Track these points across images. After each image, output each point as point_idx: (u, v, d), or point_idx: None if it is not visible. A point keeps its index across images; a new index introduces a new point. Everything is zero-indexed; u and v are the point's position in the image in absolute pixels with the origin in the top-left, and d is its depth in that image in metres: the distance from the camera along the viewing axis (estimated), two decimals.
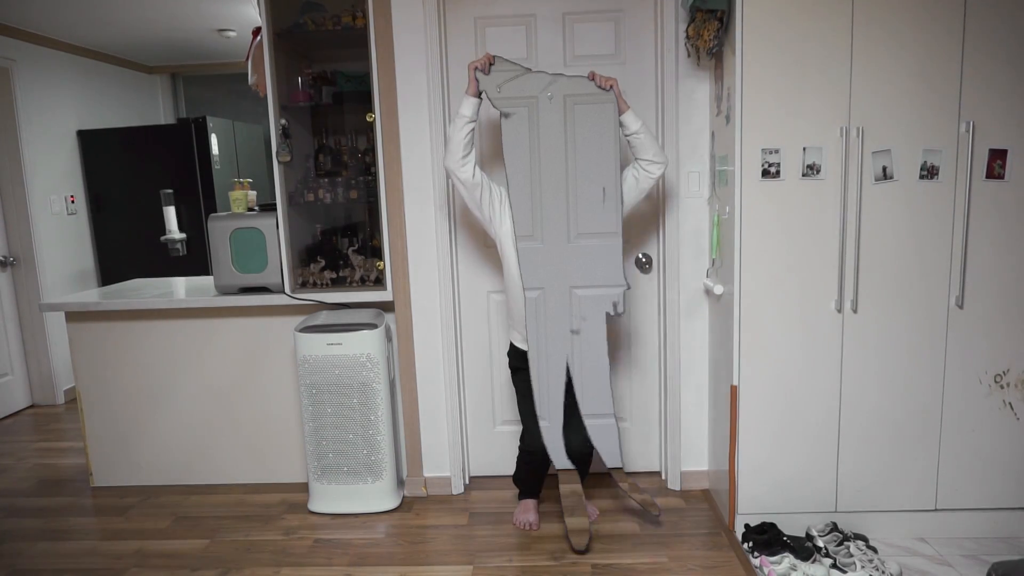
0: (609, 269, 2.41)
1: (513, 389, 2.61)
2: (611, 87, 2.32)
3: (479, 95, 2.33)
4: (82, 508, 2.96)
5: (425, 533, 2.63)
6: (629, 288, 2.44)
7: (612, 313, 2.43)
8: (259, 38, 2.74)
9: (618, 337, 2.91)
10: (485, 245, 2.85)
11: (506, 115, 2.35)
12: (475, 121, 2.32)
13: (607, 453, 2.50)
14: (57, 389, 4.46)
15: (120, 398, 3.08)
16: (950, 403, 2.40)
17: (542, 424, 2.46)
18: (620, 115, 2.34)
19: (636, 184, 2.40)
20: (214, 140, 4.66)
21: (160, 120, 5.68)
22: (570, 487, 2.50)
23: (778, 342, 2.39)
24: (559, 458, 2.47)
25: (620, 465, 2.51)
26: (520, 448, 2.61)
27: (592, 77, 2.33)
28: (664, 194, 2.73)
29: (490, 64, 2.33)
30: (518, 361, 2.52)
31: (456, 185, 2.39)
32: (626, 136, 2.35)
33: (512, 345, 2.55)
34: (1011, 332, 2.36)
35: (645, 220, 2.82)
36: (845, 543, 2.32)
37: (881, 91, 2.25)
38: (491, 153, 2.80)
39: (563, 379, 2.45)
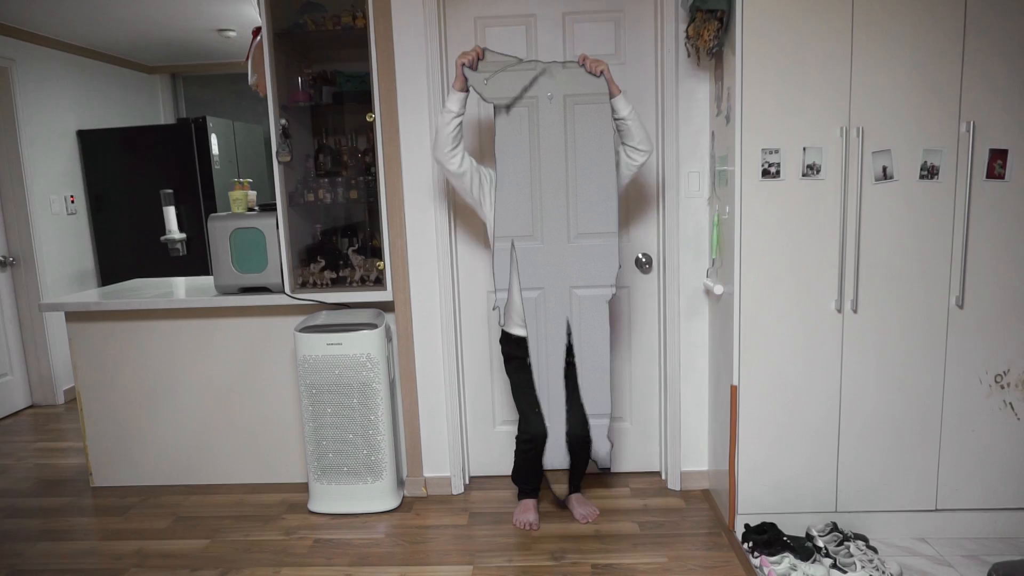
0: (607, 269, 2.41)
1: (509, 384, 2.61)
2: (601, 72, 2.30)
3: (465, 89, 2.32)
4: (82, 508, 2.96)
5: (425, 533, 2.63)
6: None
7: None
8: (259, 38, 2.74)
9: (618, 337, 2.91)
10: (485, 245, 2.85)
11: (499, 110, 2.33)
12: (462, 115, 2.33)
13: (598, 453, 2.50)
14: (57, 389, 4.46)
15: (120, 398, 3.08)
16: (950, 403, 2.40)
17: (541, 401, 2.45)
18: (611, 99, 2.31)
19: (617, 168, 2.39)
20: (214, 140, 4.66)
21: (160, 120, 5.68)
22: (562, 487, 2.50)
23: (778, 342, 2.39)
24: (554, 455, 2.46)
25: (608, 466, 2.50)
26: (517, 439, 2.60)
27: (582, 61, 2.31)
28: (664, 194, 2.73)
29: (479, 58, 2.31)
30: (510, 348, 2.52)
31: (445, 174, 2.41)
32: (615, 120, 2.34)
33: (503, 331, 2.55)
34: (1011, 332, 2.36)
35: (645, 220, 2.82)
36: (845, 543, 2.32)
37: (881, 91, 2.25)
38: (491, 151, 2.80)
39: (562, 377, 2.46)
